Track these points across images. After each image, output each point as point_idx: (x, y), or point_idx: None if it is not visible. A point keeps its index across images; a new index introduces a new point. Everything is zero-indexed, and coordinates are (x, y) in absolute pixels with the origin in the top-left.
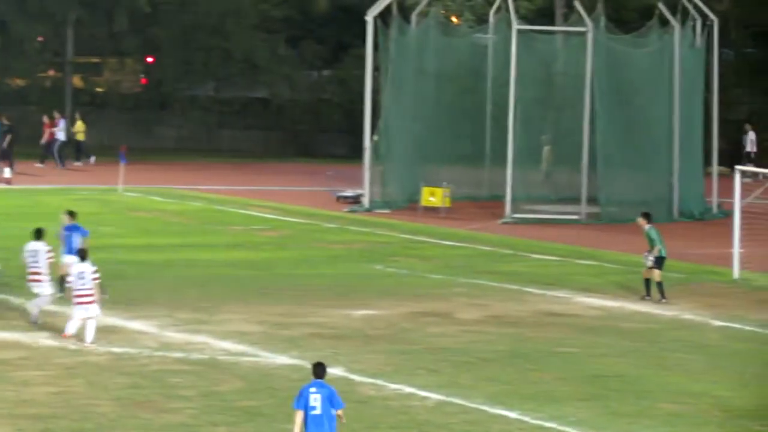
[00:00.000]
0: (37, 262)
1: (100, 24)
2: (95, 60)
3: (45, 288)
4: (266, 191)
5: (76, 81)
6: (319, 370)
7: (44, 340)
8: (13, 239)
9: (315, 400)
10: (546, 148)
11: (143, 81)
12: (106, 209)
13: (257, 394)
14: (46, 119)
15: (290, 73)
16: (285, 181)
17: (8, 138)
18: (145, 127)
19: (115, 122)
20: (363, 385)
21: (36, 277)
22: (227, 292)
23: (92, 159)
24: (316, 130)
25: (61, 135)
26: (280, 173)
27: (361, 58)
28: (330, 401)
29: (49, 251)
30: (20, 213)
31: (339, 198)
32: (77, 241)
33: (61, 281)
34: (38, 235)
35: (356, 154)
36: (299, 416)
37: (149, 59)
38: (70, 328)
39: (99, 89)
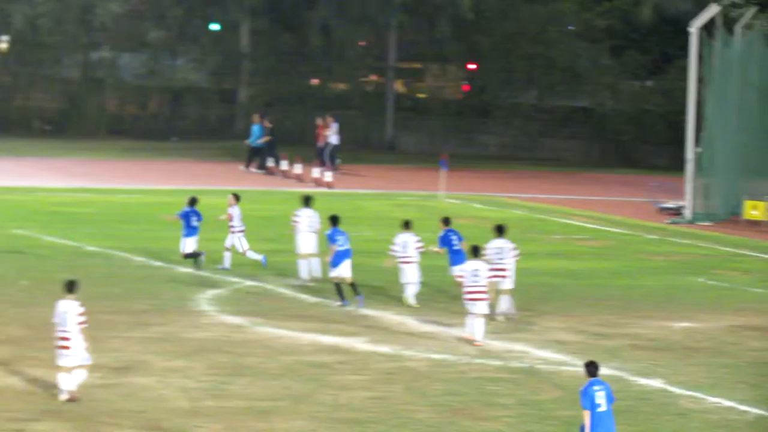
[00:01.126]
0: (503, 259)
1: (422, 30)
2: (417, 65)
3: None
4: (587, 201)
5: (398, 86)
6: (593, 368)
7: (362, 344)
8: None
9: (600, 397)
10: None
11: (465, 88)
12: (425, 215)
13: (576, 405)
14: (319, 122)
15: (613, 82)
16: (606, 191)
17: (271, 140)
18: (466, 134)
19: (435, 128)
20: (682, 397)
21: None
22: (546, 300)
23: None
24: (638, 141)
25: (333, 138)
26: (601, 183)
27: (685, 70)
28: (610, 397)
29: (513, 248)
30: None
31: (660, 209)
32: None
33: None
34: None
35: (678, 165)
36: (588, 416)
37: (471, 66)
38: (478, 335)
39: (420, 95)
